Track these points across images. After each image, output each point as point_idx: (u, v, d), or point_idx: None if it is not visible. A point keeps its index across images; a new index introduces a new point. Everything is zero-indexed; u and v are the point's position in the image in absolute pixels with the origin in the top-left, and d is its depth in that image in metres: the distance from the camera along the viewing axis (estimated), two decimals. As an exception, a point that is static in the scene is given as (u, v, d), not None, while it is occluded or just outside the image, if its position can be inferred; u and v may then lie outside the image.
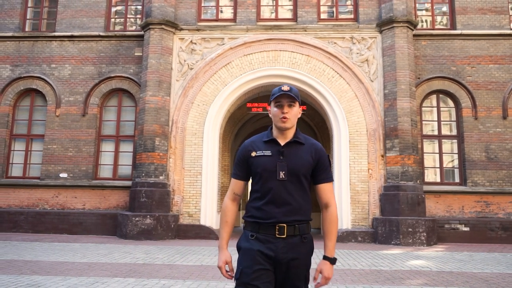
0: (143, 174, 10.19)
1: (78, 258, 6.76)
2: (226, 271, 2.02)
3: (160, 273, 5.61)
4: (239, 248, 2.05)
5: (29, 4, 12.28)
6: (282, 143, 2.03)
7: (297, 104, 2.05)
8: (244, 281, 1.91)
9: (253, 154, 2.04)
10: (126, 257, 7.05)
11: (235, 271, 2.00)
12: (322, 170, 2.06)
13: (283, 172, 1.97)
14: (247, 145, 2.10)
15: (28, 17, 12.23)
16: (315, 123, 14.50)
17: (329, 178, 2.08)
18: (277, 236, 1.94)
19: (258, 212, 1.98)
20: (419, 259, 7.34)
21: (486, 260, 7.34)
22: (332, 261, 2.00)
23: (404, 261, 7.06)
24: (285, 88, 2.03)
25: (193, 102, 10.82)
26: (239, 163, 2.10)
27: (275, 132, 2.07)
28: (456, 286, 5.04)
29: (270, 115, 2.09)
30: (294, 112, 2.05)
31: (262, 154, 2.02)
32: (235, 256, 2.00)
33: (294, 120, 2.05)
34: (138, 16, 12.12)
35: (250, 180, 2.14)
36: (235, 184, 2.12)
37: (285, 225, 1.94)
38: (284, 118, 2.00)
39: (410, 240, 9.35)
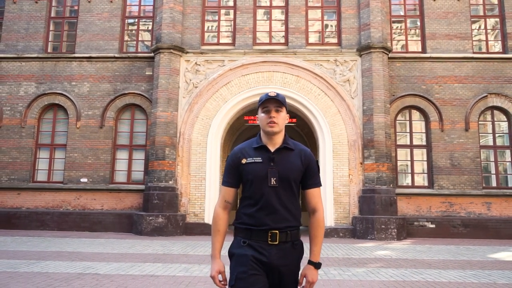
0: (155, 179, 11.80)
1: (110, 250, 8.37)
2: (219, 281, 1.99)
3: (179, 260, 7.25)
4: (231, 255, 2.03)
5: (51, 28, 13.83)
6: (272, 149, 2.02)
7: (284, 109, 2.04)
8: (240, 287, 1.91)
9: (244, 161, 2.02)
10: (147, 249, 8.66)
11: (228, 279, 1.99)
12: (311, 176, 2.05)
13: (275, 178, 1.95)
14: (237, 152, 2.07)
15: (50, 39, 13.78)
16: (305, 132, 16.19)
17: (317, 183, 2.08)
18: (270, 242, 1.93)
19: (250, 219, 1.98)
20: (385, 250, 9.03)
21: (441, 251, 9.02)
22: (317, 265, 2.00)
23: (372, 252, 8.75)
24: (272, 93, 2.02)
25: (197, 116, 12.44)
26: (230, 170, 2.07)
27: (264, 139, 2.06)
28: (403, 268, 6.72)
29: (257, 122, 2.23)
30: (282, 117, 2.03)
31: (253, 161, 2.00)
32: (227, 264, 2.03)
33: (282, 125, 2.03)
34: (148, 39, 13.71)
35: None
36: (226, 192, 2.09)
37: (277, 231, 1.94)
38: (272, 122, 1.99)
39: (383, 236, 11.03)
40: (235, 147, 2.13)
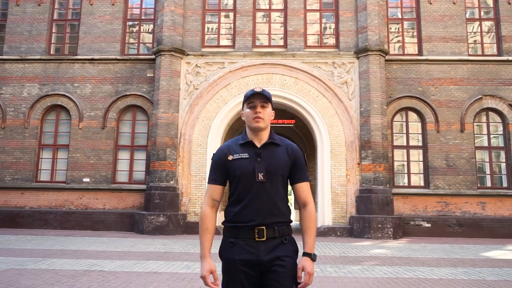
0: (156, 179, 12.03)
1: (113, 248, 8.61)
2: (211, 281, 1.93)
3: (181, 257, 7.48)
4: (221, 256, 2.01)
5: (54, 30, 14.06)
6: (258, 145, 2.02)
7: (269, 105, 2.05)
8: None
9: (230, 157, 2.01)
10: (149, 247, 8.89)
11: (220, 280, 1.97)
12: (298, 170, 2.06)
13: (262, 173, 1.95)
14: (223, 149, 2.07)
15: (52, 41, 13.99)
16: (303, 133, 16.44)
17: (306, 178, 2.08)
18: (257, 239, 1.92)
19: (237, 216, 1.96)
20: (381, 249, 9.27)
21: (435, 249, 9.26)
22: (313, 257, 1.97)
23: (368, 250, 8.99)
24: (258, 89, 2.02)
25: (198, 117, 12.67)
26: (216, 168, 2.06)
27: (249, 135, 2.05)
28: (398, 266, 6.96)
29: (243, 118, 2.09)
30: (267, 113, 2.03)
31: (239, 157, 2.00)
32: (218, 263, 2.01)
33: (268, 121, 2.03)
34: (149, 41, 13.93)
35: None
36: (213, 190, 2.06)
37: (264, 227, 1.93)
38: (258, 117, 1.99)
39: (380, 235, 11.27)
40: (221, 145, 2.13)
